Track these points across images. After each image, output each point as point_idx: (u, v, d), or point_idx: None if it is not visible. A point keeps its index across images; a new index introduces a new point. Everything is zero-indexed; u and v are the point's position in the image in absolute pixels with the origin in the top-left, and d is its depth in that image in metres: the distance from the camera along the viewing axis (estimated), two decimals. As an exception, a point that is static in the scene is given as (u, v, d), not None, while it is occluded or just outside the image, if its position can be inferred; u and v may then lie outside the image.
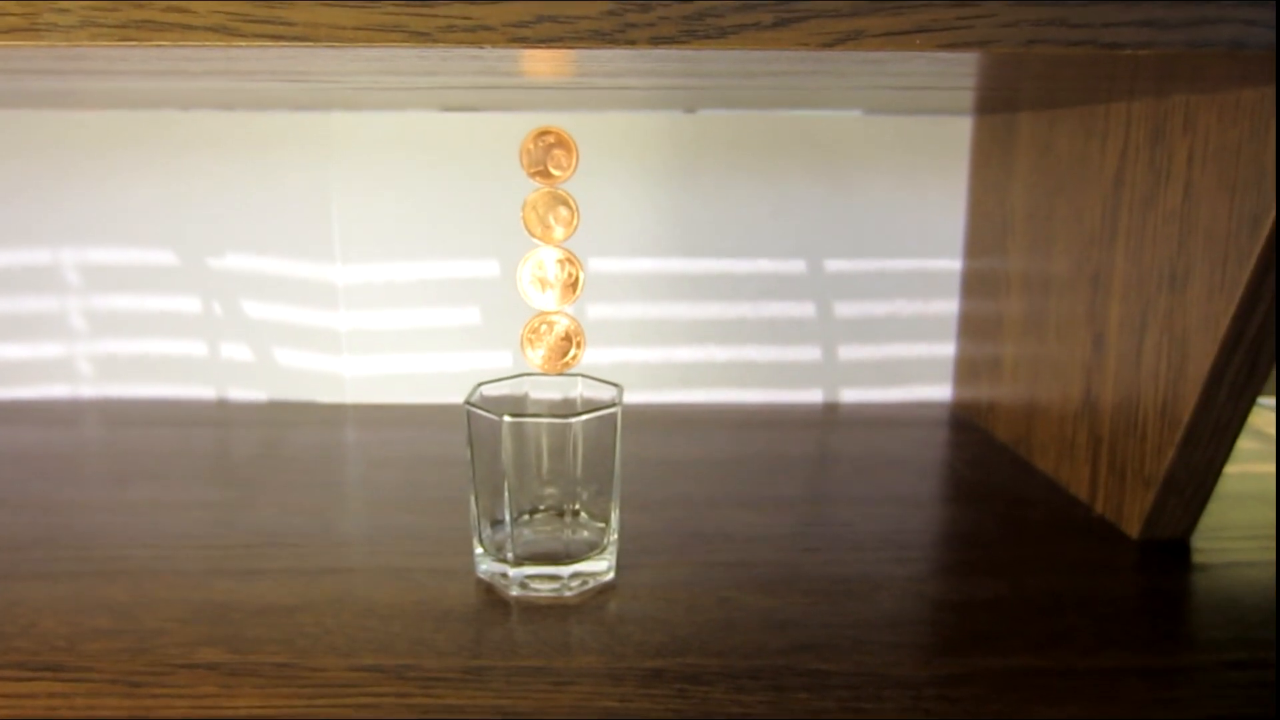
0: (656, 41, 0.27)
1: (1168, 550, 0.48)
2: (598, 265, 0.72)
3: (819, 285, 0.74)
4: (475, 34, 0.26)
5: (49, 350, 0.74)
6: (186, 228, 0.72)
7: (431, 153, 0.71)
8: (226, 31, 0.26)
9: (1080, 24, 0.27)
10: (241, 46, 0.26)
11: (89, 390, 0.75)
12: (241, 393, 0.75)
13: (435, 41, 0.26)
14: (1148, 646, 0.39)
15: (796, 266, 0.73)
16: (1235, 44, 0.28)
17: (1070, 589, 0.44)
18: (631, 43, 0.27)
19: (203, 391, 0.75)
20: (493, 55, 0.29)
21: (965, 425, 0.70)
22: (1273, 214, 0.38)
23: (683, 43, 0.27)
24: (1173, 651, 0.39)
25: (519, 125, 0.70)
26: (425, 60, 0.30)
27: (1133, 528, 0.49)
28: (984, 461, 0.62)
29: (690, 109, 0.70)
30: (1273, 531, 0.50)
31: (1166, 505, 0.47)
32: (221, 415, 0.72)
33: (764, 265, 0.73)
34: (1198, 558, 0.47)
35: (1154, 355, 0.46)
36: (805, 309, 0.74)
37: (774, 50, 0.27)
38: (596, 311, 0.73)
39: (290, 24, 0.26)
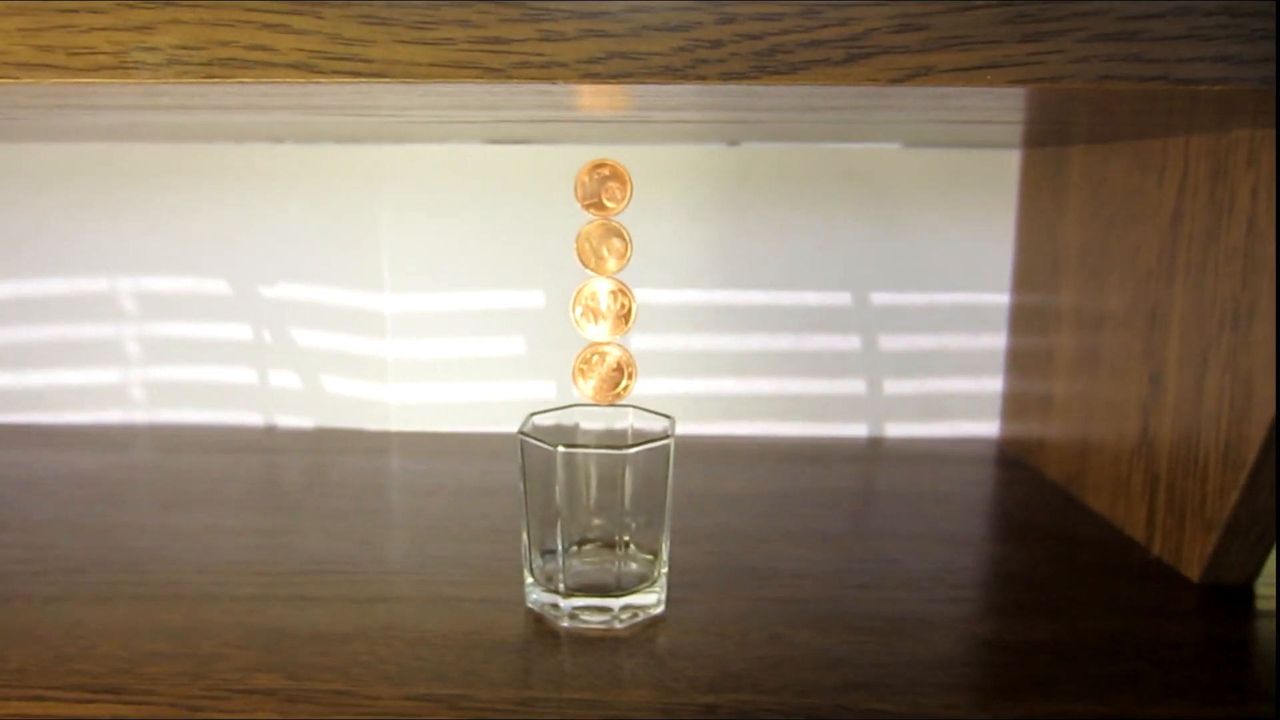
0: (727, 77, 0.27)
1: (1230, 596, 0.47)
2: (641, 296, 0.72)
3: (864, 318, 0.73)
4: (548, 70, 0.27)
5: (104, 376, 0.75)
6: (239, 257, 0.73)
7: (478, 184, 0.72)
8: (308, 69, 0.26)
9: (1154, 59, 0.27)
10: (321, 83, 0.27)
11: (141, 416, 0.76)
12: (289, 420, 0.76)
13: (509, 78, 0.27)
14: (1213, 695, 0.38)
15: (841, 299, 0.73)
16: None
17: (1130, 633, 0.43)
18: (702, 78, 0.27)
19: (251, 418, 0.76)
20: (560, 91, 0.29)
21: (1013, 462, 0.69)
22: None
23: (753, 78, 0.27)
24: (1240, 701, 0.38)
25: (564, 157, 0.70)
26: (493, 95, 0.31)
27: (1193, 571, 0.48)
28: (1034, 500, 0.61)
29: (733, 142, 0.70)
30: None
31: (1230, 549, 0.46)
32: (269, 442, 0.72)
33: (809, 298, 0.73)
34: (1262, 604, 0.46)
35: (1216, 394, 0.45)
36: (850, 342, 0.74)
37: (843, 86, 0.27)
38: (640, 342, 0.73)
39: (369, 61, 0.27)
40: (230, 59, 0.27)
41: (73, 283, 0.74)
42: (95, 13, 0.27)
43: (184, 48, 0.26)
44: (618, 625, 0.43)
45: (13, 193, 0.72)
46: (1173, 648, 0.42)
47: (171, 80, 0.27)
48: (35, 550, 0.51)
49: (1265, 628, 0.44)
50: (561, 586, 0.43)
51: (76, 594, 0.46)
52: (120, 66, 0.27)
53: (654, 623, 0.44)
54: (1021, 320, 0.70)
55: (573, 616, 0.43)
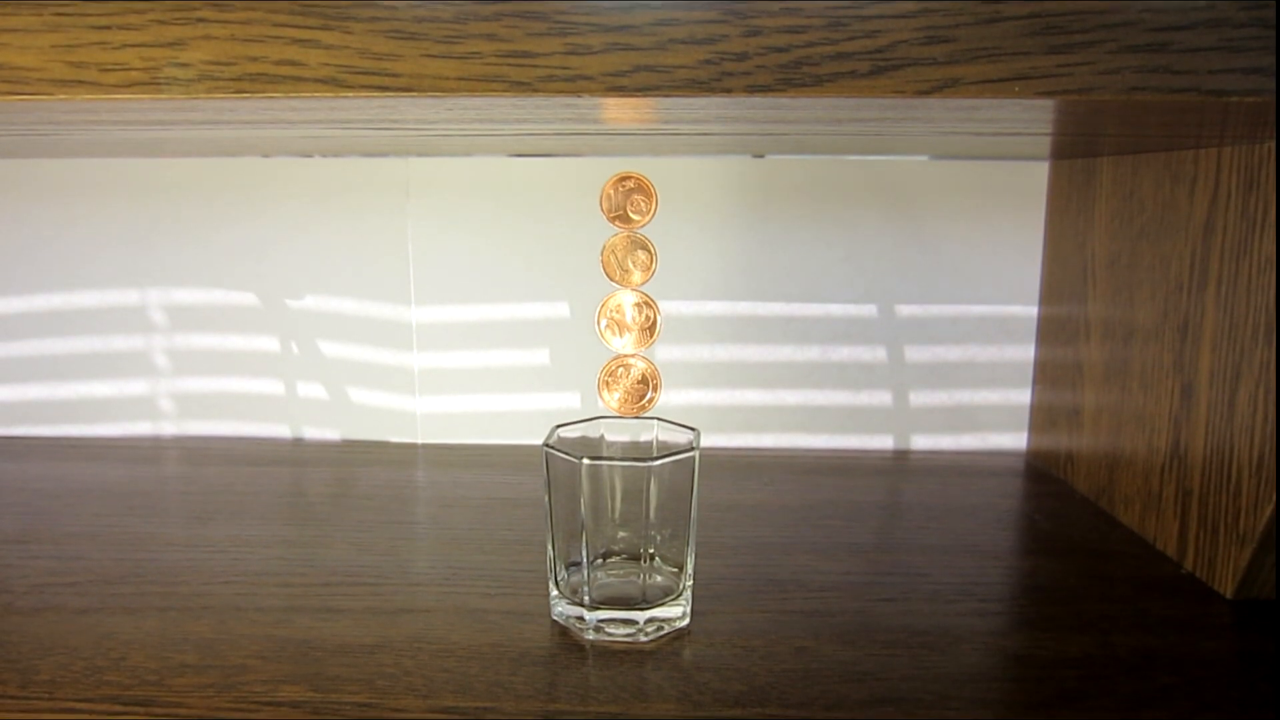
0: (753, 90, 0.27)
1: (1264, 611, 0.46)
2: (666, 308, 0.73)
3: (890, 330, 0.73)
4: (574, 84, 0.27)
5: (133, 388, 0.76)
6: (267, 270, 0.74)
7: (504, 197, 0.72)
8: (336, 83, 0.27)
9: (1184, 71, 0.27)
10: (349, 98, 0.27)
11: (170, 428, 0.76)
12: (316, 432, 0.76)
13: (535, 91, 0.27)
14: (1247, 712, 0.38)
15: (868, 311, 0.73)
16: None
17: (1162, 648, 0.42)
18: (728, 91, 0.27)
19: (278, 430, 0.76)
20: (586, 104, 0.29)
21: (1042, 475, 0.68)
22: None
23: (779, 91, 0.27)
24: (1274, 719, 0.37)
25: (590, 170, 0.71)
26: (520, 108, 0.31)
27: (1226, 586, 0.47)
28: (1063, 513, 0.60)
29: (759, 154, 0.70)
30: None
31: (1263, 564, 0.45)
32: (296, 454, 0.73)
33: (834, 309, 0.73)
34: (1298, 618, 0.45)
35: (1248, 407, 0.45)
36: (876, 354, 0.74)
37: (869, 98, 0.27)
38: (665, 354, 0.73)
39: (396, 75, 0.27)
40: (260, 74, 0.27)
41: (102, 295, 0.75)
42: (128, 29, 0.28)
43: (215, 63, 0.27)
44: (643, 638, 0.43)
45: (42, 206, 0.73)
46: (1205, 664, 0.41)
47: (203, 95, 0.27)
48: (65, 561, 0.51)
49: (1302, 644, 0.43)
50: (587, 599, 0.43)
51: (106, 605, 0.46)
52: (152, 82, 0.27)
53: (679, 635, 0.43)
54: (1050, 332, 0.69)
55: (598, 629, 0.43)
